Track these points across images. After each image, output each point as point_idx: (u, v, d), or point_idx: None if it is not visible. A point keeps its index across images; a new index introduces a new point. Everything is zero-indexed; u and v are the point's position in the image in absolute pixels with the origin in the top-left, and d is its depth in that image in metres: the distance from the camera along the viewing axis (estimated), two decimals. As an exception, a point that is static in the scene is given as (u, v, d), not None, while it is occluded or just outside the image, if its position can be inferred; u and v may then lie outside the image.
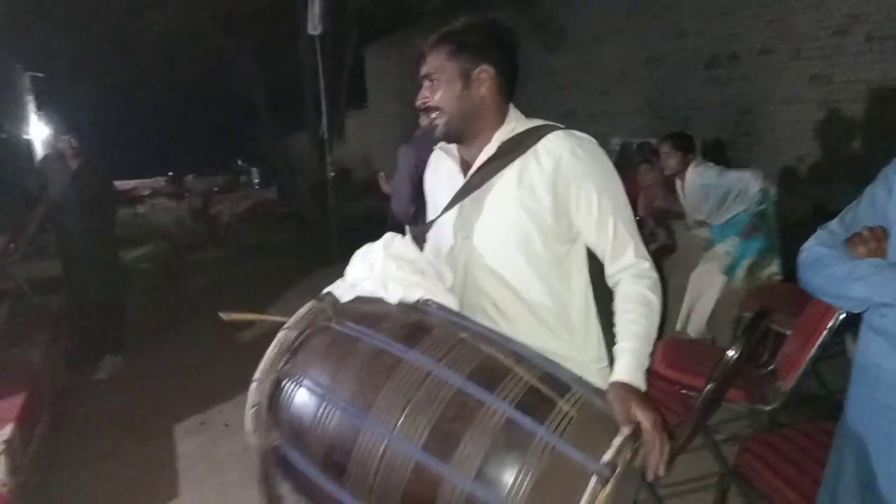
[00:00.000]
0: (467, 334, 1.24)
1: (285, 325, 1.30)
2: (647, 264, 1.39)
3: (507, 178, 1.41)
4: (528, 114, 1.50)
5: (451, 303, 1.41)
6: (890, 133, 5.08)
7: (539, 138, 1.39)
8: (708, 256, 4.00)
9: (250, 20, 9.80)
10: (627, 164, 6.06)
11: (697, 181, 3.98)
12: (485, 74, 1.41)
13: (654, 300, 1.34)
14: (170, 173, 18.51)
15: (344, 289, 1.39)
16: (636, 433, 1.09)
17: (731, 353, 1.98)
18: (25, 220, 4.46)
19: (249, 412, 1.28)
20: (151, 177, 19.29)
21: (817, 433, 2.07)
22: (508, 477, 1.02)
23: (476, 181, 1.44)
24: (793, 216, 4.74)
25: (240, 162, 20.88)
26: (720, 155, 6.08)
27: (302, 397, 1.21)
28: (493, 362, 1.16)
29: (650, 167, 4.79)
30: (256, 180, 18.37)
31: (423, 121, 2.99)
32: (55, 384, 3.71)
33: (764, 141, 6.29)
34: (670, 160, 4.09)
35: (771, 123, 6.19)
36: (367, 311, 1.32)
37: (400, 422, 1.10)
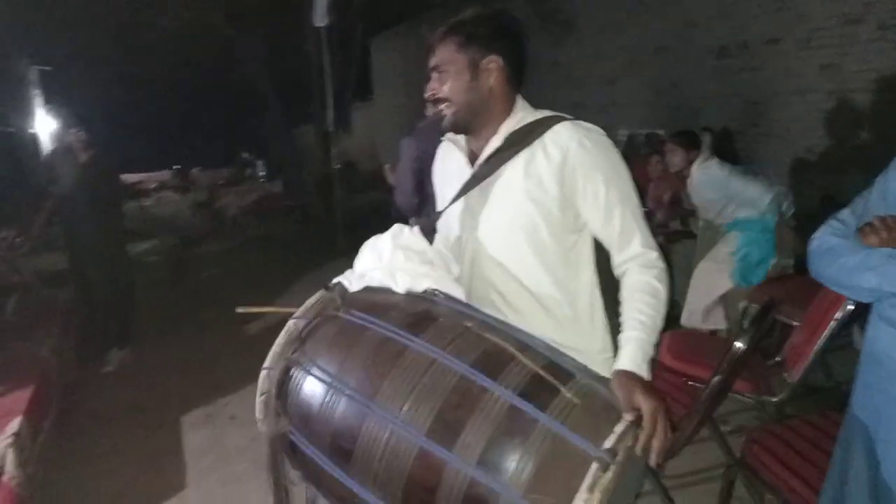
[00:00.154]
0: (472, 323, 1.25)
1: (294, 315, 1.32)
2: (654, 254, 1.38)
3: (513, 168, 1.40)
4: (535, 105, 1.49)
5: (459, 293, 1.42)
6: (901, 123, 5.03)
7: (546, 129, 1.39)
8: (711, 255, 3.97)
9: (256, 13, 9.79)
10: (635, 154, 6.03)
11: (701, 179, 3.93)
12: (493, 65, 1.41)
13: (661, 290, 1.34)
14: (176, 167, 18.57)
15: (353, 279, 1.41)
16: (639, 421, 1.09)
17: (738, 344, 1.97)
18: (33, 213, 4.48)
19: (259, 400, 1.30)
20: (157, 170, 19.39)
21: (824, 424, 2.07)
22: (510, 462, 1.03)
23: (483, 172, 1.44)
24: (802, 207, 4.70)
25: (245, 155, 20.92)
26: (729, 146, 6.04)
27: (310, 385, 1.23)
28: (498, 350, 1.17)
29: (661, 158, 4.75)
30: (262, 173, 18.40)
31: (430, 112, 2.99)
32: (63, 377, 3.74)
33: (774, 131, 6.23)
34: (674, 157, 4.06)
35: (781, 113, 6.14)
36: (375, 300, 1.34)
37: (404, 409, 1.12)
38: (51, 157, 4.53)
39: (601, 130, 1.41)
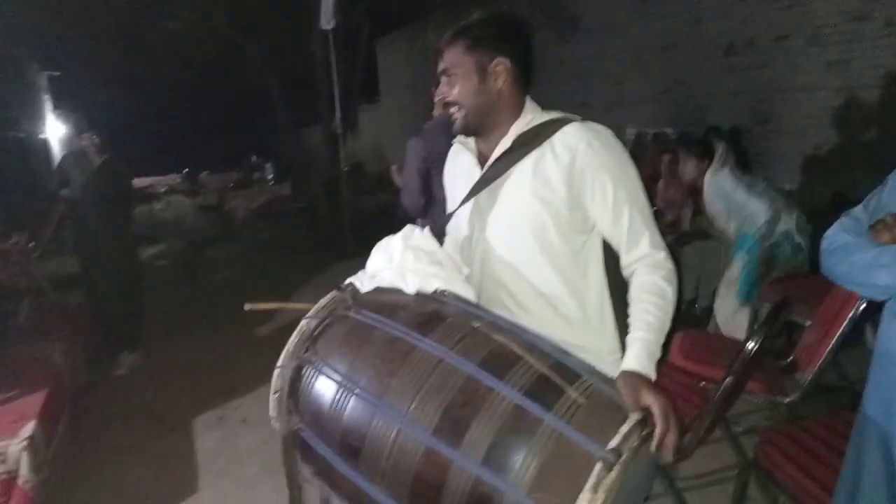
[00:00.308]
0: (481, 323, 1.26)
1: (307, 315, 1.35)
2: (662, 255, 1.38)
3: (522, 169, 1.41)
4: (542, 104, 1.50)
5: (469, 294, 1.43)
6: (911, 119, 4.99)
7: (555, 131, 1.39)
8: (728, 272, 3.93)
9: (263, 15, 9.82)
10: (642, 154, 6.01)
11: (711, 189, 3.89)
12: (501, 67, 1.42)
13: (669, 291, 1.34)
14: (185, 170, 18.67)
15: (365, 279, 1.43)
16: (645, 421, 1.10)
17: (750, 344, 1.95)
18: (45, 218, 4.51)
19: (273, 398, 1.33)
20: (167, 174, 19.50)
21: (837, 424, 2.05)
22: (515, 461, 1.04)
23: (492, 174, 1.45)
24: (812, 204, 4.67)
25: (254, 158, 21.01)
26: (738, 144, 6.01)
27: (321, 383, 1.26)
28: (505, 350, 1.18)
29: (672, 156, 4.72)
30: (271, 176, 18.45)
31: (437, 113, 2.99)
32: (75, 381, 3.75)
33: (782, 129, 6.19)
34: (687, 167, 4.03)
35: (789, 111, 6.10)
36: (385, 300, 1.36)
37: (412, 407, 1.13)
38: (63, 161, 4.56)
39: (610, 131, 1.41)
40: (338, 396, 1.22)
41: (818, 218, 3.66)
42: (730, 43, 6.67)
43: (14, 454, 2.47)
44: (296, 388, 1.30)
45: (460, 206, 1.51)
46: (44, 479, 2.61)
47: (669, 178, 4.95)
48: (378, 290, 1.40)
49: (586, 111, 1.40)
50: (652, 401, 1.12)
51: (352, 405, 1.20)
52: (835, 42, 5.55)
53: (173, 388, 4.20)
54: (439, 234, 1.55)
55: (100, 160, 4.31)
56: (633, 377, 1.19)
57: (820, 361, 2.38)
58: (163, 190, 17.21)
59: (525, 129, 1.43)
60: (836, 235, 1.47)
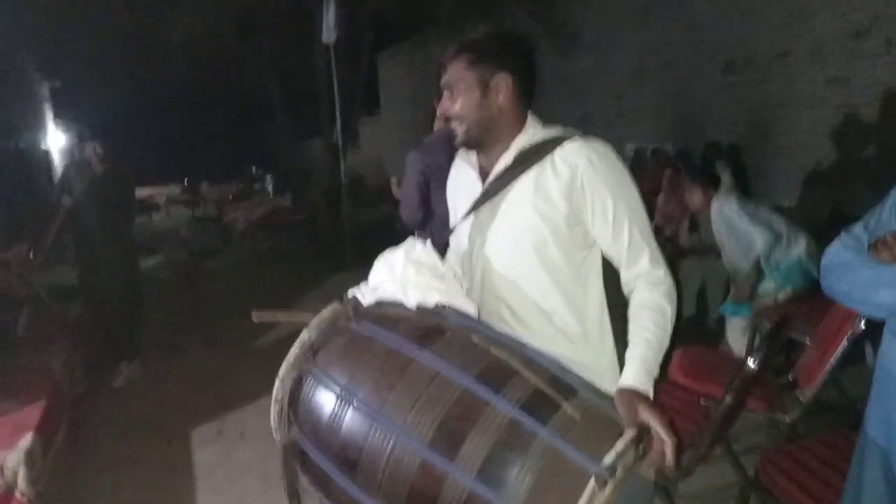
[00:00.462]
0: (479, 338, 1.26)
1: (308, 326, 1.35)
2: (662, 271, 1.39)
3: (522, 184, 1.42)
4: (541, 118, 1.51)
5: (470, 308, 1.43)
6: (909, 136, 5.01)
7: (556, 146, 1.40)
8: (730, 325, 3.95)
9: (265, 27, 9.87)
10: (642, 169, 6.02)
11: (716, 218, 3.89)
12: (503, 83, 1.42)
13: (668, 308, 1.34)
14: (185, 181, 18.70)
15: (366, 292, 1.43)
16: (641, 437, 1.09)
17: (750, 362, 1.95)
18: (45, 227, 4.51)
19: (273, 408, 1.33)
20: (167, 185, 19.52)
21: (838, 443, 2.05)
22: (509, 476, 1.04)
23: (494, 188, 1.45)
24: (813, 220, 4.67)
25: (254, 169, 21.05)
26: (737, 160, 6.03)
27: (320, 395, 1.26)
28: (502, 365, 1.18)
29: (673, 172, 4.73)
30: (271, 187, 18.48)
31: (437, 127, 3.01)
32: (74, 392, 3.74)
33: (782, 145, 6.22)
34: (692, 196, 4.04)
35: (788, 127, 6.13)
36: (386, 313, 1.36)
37: (408, 419, 1.13)
38: (66, 171, 4.57)
39: (610, 147, 1.42)
40: (336, 408, 1.22)
41: (819, 233, 3.68)
42: (729, 59, 6.72)
43: (12, 467, 2.46)
44: (296, 398, 1.30)
45: (462, 220, 1.52)
46: (41, 492, 2.59)
47: (670, 193, 4.97)
48: (379, 302, 1.40)
49: (586, 125, 1.41)
50: (649, 417, 1.12)
51: (350, 417, 1.20)
52: (835, 59, 5.59)
53: (172, 399, 4.19)
54: (439, 248, 1.56)
55: (103, 168, 4.32)
56: (630, 394, 1.19)
57: (820, 380, 2.37)
58: (163, 201, 17.22)
59: (526, 144, 1.44)
60: (837, 253, 1.47)
